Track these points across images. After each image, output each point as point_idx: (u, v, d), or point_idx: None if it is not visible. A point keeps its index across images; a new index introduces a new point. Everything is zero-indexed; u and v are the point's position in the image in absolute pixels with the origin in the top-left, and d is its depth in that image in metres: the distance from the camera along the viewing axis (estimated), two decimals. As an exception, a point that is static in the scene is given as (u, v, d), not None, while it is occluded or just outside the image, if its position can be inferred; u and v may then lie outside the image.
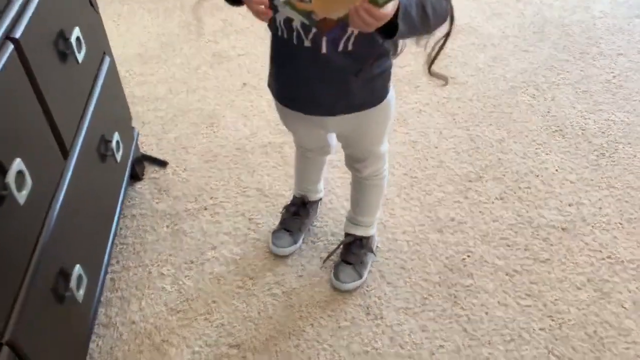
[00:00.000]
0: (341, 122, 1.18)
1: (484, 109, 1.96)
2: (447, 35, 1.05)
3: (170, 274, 1.52)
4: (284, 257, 1.54)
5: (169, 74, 2.16)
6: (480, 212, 1.64)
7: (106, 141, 1.38)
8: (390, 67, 1.14)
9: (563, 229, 1.58)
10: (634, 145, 1.81)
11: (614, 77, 2.06)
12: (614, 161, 1.76)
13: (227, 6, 1.09)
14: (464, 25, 2.32)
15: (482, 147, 1.83)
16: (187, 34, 2.35)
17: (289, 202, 1.58)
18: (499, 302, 1.42)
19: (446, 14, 1.00)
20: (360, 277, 1.45)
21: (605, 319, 1.38)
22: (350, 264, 1.45)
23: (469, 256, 1.53)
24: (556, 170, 1.74)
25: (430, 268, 1.50)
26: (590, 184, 1.70)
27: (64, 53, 1.15)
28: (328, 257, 1.49)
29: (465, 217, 1.62)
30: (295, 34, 1.03)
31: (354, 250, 1.46)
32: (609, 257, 1.51)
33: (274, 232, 1.55)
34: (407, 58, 2.17)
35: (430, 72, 1.10)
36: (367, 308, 1.42)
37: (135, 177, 1.75)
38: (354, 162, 1.33)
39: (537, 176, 1.73)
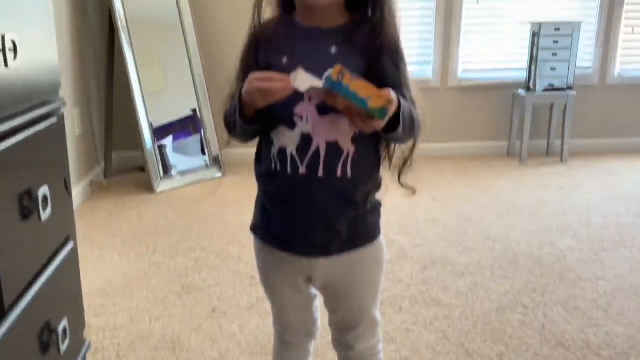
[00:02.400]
0: (333, 266, 1.06)
1: (475, 326, 1.81)
2: (413, 146, 1.07)
3: None
4: None
5: (132, 304, 1.99)
6: None
7: (50, 328, 1.17)
8: (380, 204, 1.09)
9: None
10: (646, 355, 1.64)
11: (599, 296, 2.00)
12: (630, 371, 1.58)
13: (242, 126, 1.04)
14: (438, 257, 2.33)
15: (482, 361, 1.63)
16: (157, 271, 2.26)
17: None
18: None
19: (421, 126, 1.03)
20: None
21: None
22: None
23: None
24: (570, 381, 1.53)
25: None
26: (613, 395, 1.47)
27: (28, 209, 1.06)
28: None
29: None
30: (289, 162, 1.00)
31: None
32: None
33: None
34: (387, 284, 2.10)
35: (400, 182, 1.09)
36: None
37: (76, 404, 1.44)
38: (345, 333, 1.14)
39: (551, 388, 1.50)
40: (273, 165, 1.03)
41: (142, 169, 3.35)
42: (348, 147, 1.01)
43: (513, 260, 2.31)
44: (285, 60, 1.01)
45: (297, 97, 0.96)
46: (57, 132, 1.28)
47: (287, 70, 0.95)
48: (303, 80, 0.92)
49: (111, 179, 3.39)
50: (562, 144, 3.82)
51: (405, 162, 1.08)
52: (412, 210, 2.83)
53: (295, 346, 1.26)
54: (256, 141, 1.10)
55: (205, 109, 3.49)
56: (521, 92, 3.79)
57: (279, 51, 1.02)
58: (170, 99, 3.46)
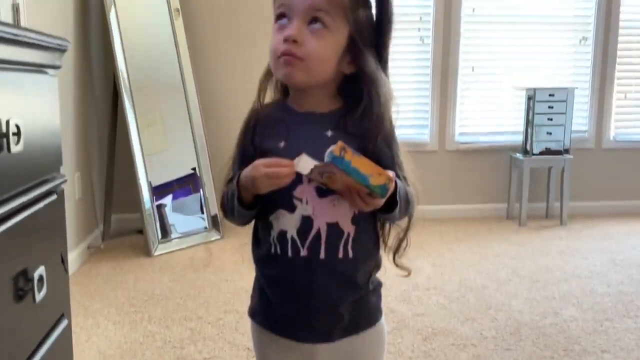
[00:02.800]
0: (335, 352, 1.03)
1: (478, 404, 1.76)
2: (408, 227, 1.07)
3: None
4: None
5: (125, 379, 1.93)
6: None
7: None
8: (381, 284, 1.08)
9: None
10: None
11: (606, 371, 1.95)
12: None
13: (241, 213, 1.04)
14: (439, 328, 2.28)
15: None
16: (152, 342, 2.20)
17: None
18: None
19: (415, 205, 1.04)
20: None
21: None
22: None
23: None
24: None
25: None
26: None
27: (23, 290, 1.04)
28: None
29: None
30: (290, 244, 1.00)
31: None
32: None
33: None
34: (388, 357, 2.04)
35: (395, 263, 1.09)
36: None
37: None
38: None
39: None
40: (273, 249, 1.02)
41: (141, 231, 3.33)
42: (348, 228, 1.00)
43: (516, 331, 2.27)
44: (282, 144, 1.02)
45: (296, 180, 0.97)
46: (57, 209, 1.28)
47: (285, 154, 0.96)
48: (306, 164, 0.93)
49: (109, 242, 3.36)
50: (561, 207, 3.82)
51: (400, 243, 1.07)
52: (413, 276, 2.76)
53: None
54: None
55: (204, 168, 3.52)
56: (518, 155, 3.83)
57: (275, 135, 1.03)
58: (170, 159, 3.48)
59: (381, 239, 1.08)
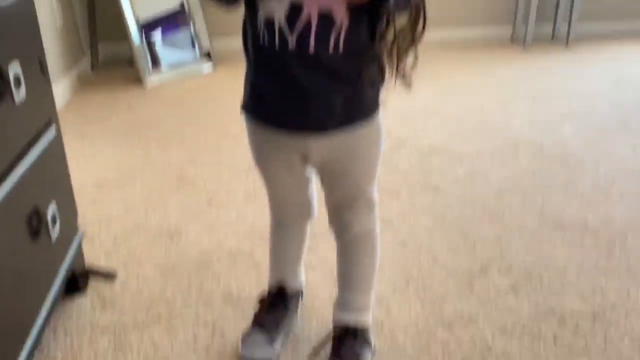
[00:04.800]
0: (329, 144, 1.01)
1: (472, 211, 1.80)
2: (415, 23, 0.93)
3: (107, 394, 1.15)
4: (257, 366, 1.20)
5: (127, 197, 1.97)
6: (492, 305, 1.37)
7: (39, 213, 1.13)
8: (380, 82, 1.01)
9: (593, 316, 1.32)
10: (644, 235, 1.64)
11: (600, 180, 1.98)
12: (627, 250, 1.57)
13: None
14: (437, 147, 2.28)
15: (479, 243, 1.62)
16: (151, 165, 2.22)
17: (262, 296, 1.29)
18: (539, 402, 1.10)
19: None
20: None
21: (679, 413, 1.06)
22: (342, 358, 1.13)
23: (489, 352, 1.22)
24: (567, 261, 1.53)
25: (444, 368, 1.19)
26: (609, 273, 1.48)
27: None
28: (315, 352, 1.17)
29: (476, 310, 1.35)
30: (277, 35, 0.92)
31: (347, 343, 1.15)
32: (657, 343, 1.23)
33: (245, 335, 1.24)
34: (385, 172, 2.06)
35: (397, 69, 0.96)
36: (370, 420, 1.07)
37: (76, 289, 1.45)
38: (341, 212, 1.11)
39: (547, 267, 1.51)
40: (261, 39, 0.94)
41: (131, 62, 3.21)
42: (342, 17, 0.91)
43: (514, 148, 2.27)
44: None
45: None
46: (26, 6, 1.17)
47: None
48: None
49: (99, 72, 3.26)
50: (569, 28, 3.64)
51: (408, 45, 0.94)
52: (412, 99, 2.73)
53: (291, 228, 1.24)
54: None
55: (193, 2, 3.29)
56: (527, -26, 3.56)
57: None
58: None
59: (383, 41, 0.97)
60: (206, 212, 1.85)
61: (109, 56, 3.40)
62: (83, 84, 3.11)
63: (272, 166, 1.12)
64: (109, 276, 1.52)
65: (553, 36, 3.81)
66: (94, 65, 3.26)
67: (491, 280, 1.46)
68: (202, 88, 3.10)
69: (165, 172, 2.14)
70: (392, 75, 0.97)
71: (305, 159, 1.07)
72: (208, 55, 3.36)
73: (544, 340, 1.25)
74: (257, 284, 1.47)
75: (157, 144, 2.38)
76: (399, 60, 0.96)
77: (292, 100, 0.98)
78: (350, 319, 1.17)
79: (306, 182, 1.16)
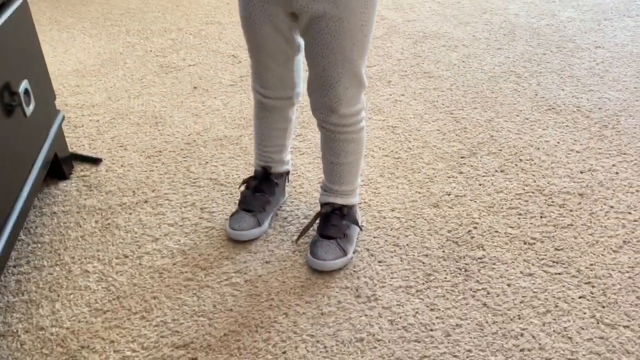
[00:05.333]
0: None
1: (465, 95, 1.76)
2: None
3: (97, 270, 1.16)
4: (245, 243, 1.21)
5: (109, 84, 1.90)
6: (480, 184, 1.37)
7: (11, 91, 1.08)
8: None
9: (580, 194, 1.32)
10: (637, 117, 1.61)
11: (596, 64, 1.92)
12: (619, 131, 1.56)
13: None
14: (431, 32, 2.19)
15: (470, 127, 1.60)
16: (132, 52, 2.13)
17: (248, 178, 1.28)
18: (521, 272, 1.12)
19: None
20: (345, 253, 1.14)
21: (657, 281, 1.09)
22: (331, 238, 1.14)
23: (475, 227, 1.24)
24: (557, 142, 1.52)
25: (430, 243, 1.20)
26: (599, 152, 1.47)
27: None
28: (303, 232, 1.18)
29: (464, 190, 1.35)
30: None
31: (333, 221, 1.15)
32: (641, 217, 1.25)
33: (232, 215, 1.23)
34: (376, 59, 1.99)
35: None
36: (357, 290, 1.09)
37: (61, 175, 1.43)
38: (326, 91, 1.05)
39: (538, 149, 1.49)
40: None
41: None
42: None
43: (510, 32, 2.18)
44: None
45: None
46: None
47: None
48: None
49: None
50: None
51: None
52: (405, -16, 2.60)
53: (273, 111, 1.19)
54: None
55: None
56: None
57: None
58: None
59: None
60: (191, 99, 1.80)
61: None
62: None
63: (258, 28, 1.06)
64: (94, 161, 1.50)
65: None
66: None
67: (480, 161, 1.45)
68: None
69: (148, 60, 2.06)
70: None
71: (293, 19, 1.02)
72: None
73: (530, 217, 1.26)
74: (245, 168, 1.45)
75: (138, 33, 2.28)
76: None
77: None
78: (337, 200, 1.16)
79: (292, 57, 1.10)
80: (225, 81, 1.89)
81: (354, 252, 1.17)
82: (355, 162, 1.15)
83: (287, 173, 1.31)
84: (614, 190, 1.33)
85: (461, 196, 1.33)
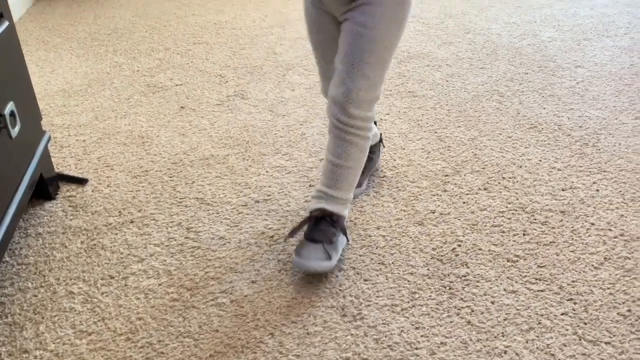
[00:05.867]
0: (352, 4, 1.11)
1: (449, 114, 1.79)
2: None
3: (82, 292, 1.16)
4: (231, 262, 1.22)
5: (96, 104, 1.91)
6: (464, 202, 1.39)
7: (-2, 112, 1.09)
8: None
9: (562, 212, 1.35)
10: (616, 135, 1.65)
11: (577, 83, 1.96)
12: (599, 149, 1.59)
13: None
14: (415, 52, 2.23)
15: (454, 146, 1.62)
16: (120, 72, 2.14)
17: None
18: (505, 290, 1.13)
19: None
20: (329, 258, 1.14)
21: (637, 296, 1.11)
22: (317, 241, 1.15)
23: (459, 245, 1.25)
24: (539, 160, 1.54)
25: (415, 261, 1.21)
26: (580, 170, 1.50)
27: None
28: (292, 233, 1.19)
29: (448, 208, 1.37)
30: None
31: (322, 227, 1.17)
32: (621, 234, 1.27)
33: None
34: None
35: None
36: (342, 309, 1.10)
37: (47, 196, 1.43)
38: (341, 87, 1.11)
39: (520, 167, 1.52)
40: None
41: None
42: None
43: (493, 52, 2.23)
44: None
45: None
46: None
47: None
48: None
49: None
50: None
51: None
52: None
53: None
54: None
55: None
56: None
57: None
58: None
59: None
60: (178, 118, 1.81)
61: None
62: (44, -9, 2.94)
63: (317, 35, 1.23)
64: (80, 181, 1.50)
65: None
66: (54, -30, 3.06)
67: (464, 180, 1.47)
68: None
69: (135, 80, 2.07)
70: None
71: (339, 23, 1.16)
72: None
73: (513, 234, 1.28)
74: (232, 188, 1.46)
75: (125, 53, 2.29)
76: None
77: None
78: (328, 207, 1.18)
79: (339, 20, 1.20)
80: (212, 101, 1.91)
81: (339, 270, 1.18)
82: (354, 170, 1.19)
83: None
84: (594, 208, 1.36)
85: (445, 214, 1.35)
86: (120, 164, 1.57)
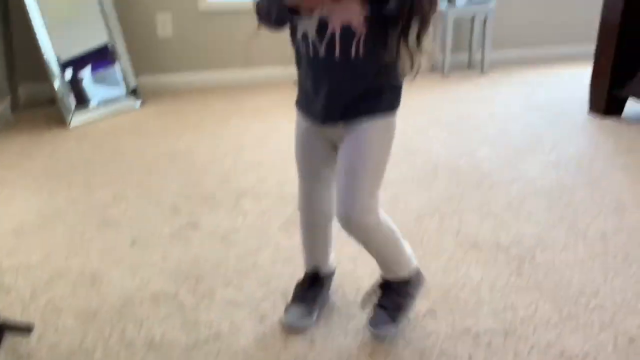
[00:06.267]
0: (346, 131, 1.26)
1: (394, 237, 1.87)
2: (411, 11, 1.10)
3: None
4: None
5: (48, 242, 1.91)
6: (410, 329, 1.42)
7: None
8: (399, 86, 1.26)
9: (504, 332, 1.39)
10: (550, 250, 1.75)
11: (512, 199, 2.10)
12: (535, 266, 1.67)
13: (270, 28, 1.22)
14: (361, 175, 2.35)
15: (400, 269, 1.68)
16: (74, 207, 2.17)
17: (300, 280, 1.52)
18: (453, 421, 1.14)
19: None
20: (393, 320, 1.38)
21: (580, 420, 1.13)
22: (384, 308, 1.39)
23: (407, 376, 1.27)
24: (481, 279, 1.61)
25: (364, 395, 1.22)
26: (519, 289, 1.57)
27: None
28: (364, 301, 1.45)
29: (396, 338, 1.40)
30: (311, 46, 1.19)
31: (387, 293, 1.41)
32: (561, 353, 1.31)
33: (287, 308, 1.46)
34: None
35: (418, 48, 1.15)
36: None
37: (-11, 346, 1.39)
38: (339, 203, 1.30)
39: (463, 288, 1.58)
40: (301, 50, 1.23)
41: (52, 102, 3.14)
42: (360, 29, 1.14)
43: (433, 172, 2.37)
44: None
45: None
46: None
47: None
48: None
49: (20, 114, 3.17)
50: (482, 56, 3.87)
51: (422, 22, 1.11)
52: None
53: (316, 227, 1.46)
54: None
55: (118, 40, 3.29)
56: (442, 6, 3.76)
57: None
58: (79, 30, 3.21)
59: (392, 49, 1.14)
60: (129, 254, 1.82)
61: (31, 97, 3.32)
62: (2, 127, 3.01)
63: (311, 157, 1.36)
64: (25, 330, 1.47)
65: (469, 64, 4.03)
66: (14, 107, 3.17)
67: (410, 304, 1.52)
68: (128, 126, 3.07)
69: (88, 215, 2.10)
70: (411, 66, 1.18)
71: (334, 148, 1.31)
72: (135, 92, 3.33)
73: (458, 360, 1.31)
74: (181, 327, 1.46)
75: (80, 186, 2.34)
76: (419, 41, 1.14)
77: (321, 96, 1.23)
78: (388, 275, 1.41)
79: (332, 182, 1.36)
80: (165, 233, 1.94)
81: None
82: (388, 251, 1.40)
83: (332, 274, 1.56)
84: (534, 327, 1.41)
85: (394, 344, 1.37)
86: (69, 307, 1.56)
